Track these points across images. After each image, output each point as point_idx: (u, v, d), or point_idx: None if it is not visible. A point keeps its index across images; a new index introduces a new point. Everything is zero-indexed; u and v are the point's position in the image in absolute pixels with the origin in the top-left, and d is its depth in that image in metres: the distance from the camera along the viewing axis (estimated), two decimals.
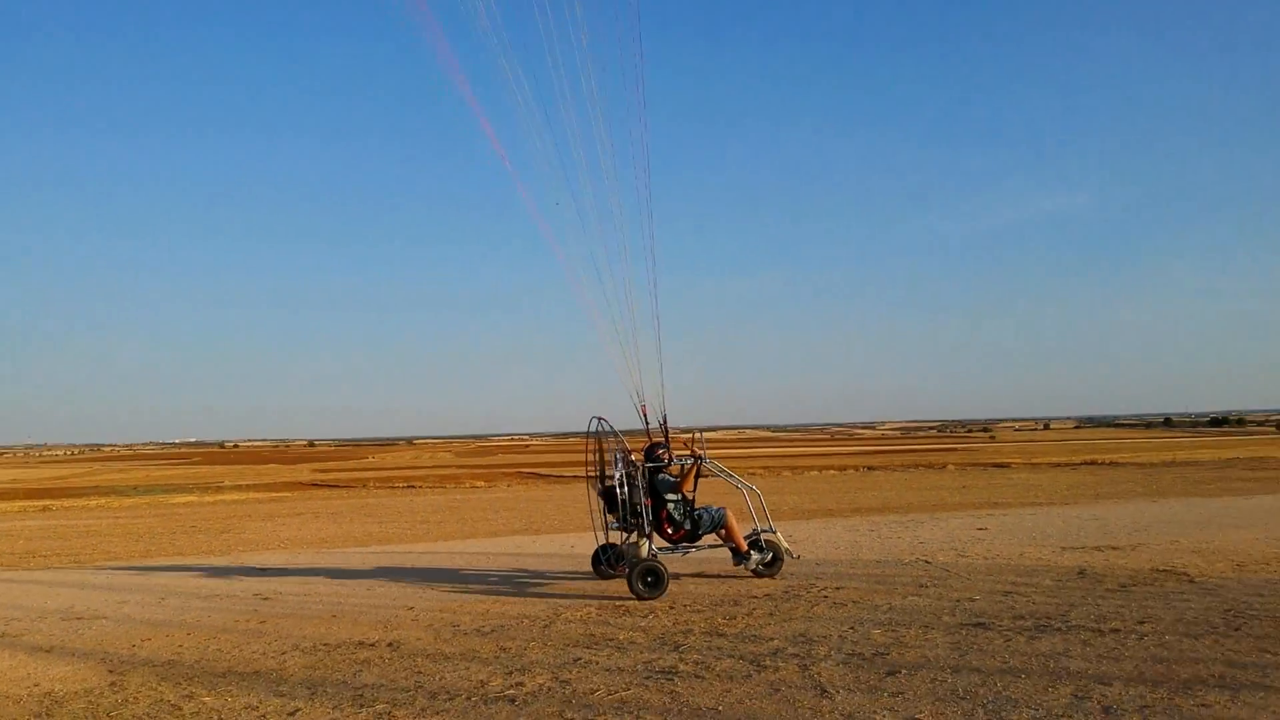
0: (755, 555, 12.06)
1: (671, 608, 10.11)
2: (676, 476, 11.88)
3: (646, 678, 7.22)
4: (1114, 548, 13.78)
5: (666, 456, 12.09)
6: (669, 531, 11.93)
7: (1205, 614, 8.83)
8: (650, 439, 12.24)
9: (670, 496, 11.82)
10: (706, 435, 13.30)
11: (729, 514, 12.07)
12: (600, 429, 12.15)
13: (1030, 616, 9.00)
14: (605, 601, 10.62)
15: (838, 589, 10.90)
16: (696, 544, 12.03)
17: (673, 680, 7.11)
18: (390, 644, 8.76)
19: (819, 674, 7.11)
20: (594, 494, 12.50)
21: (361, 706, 6.74)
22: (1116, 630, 8.24)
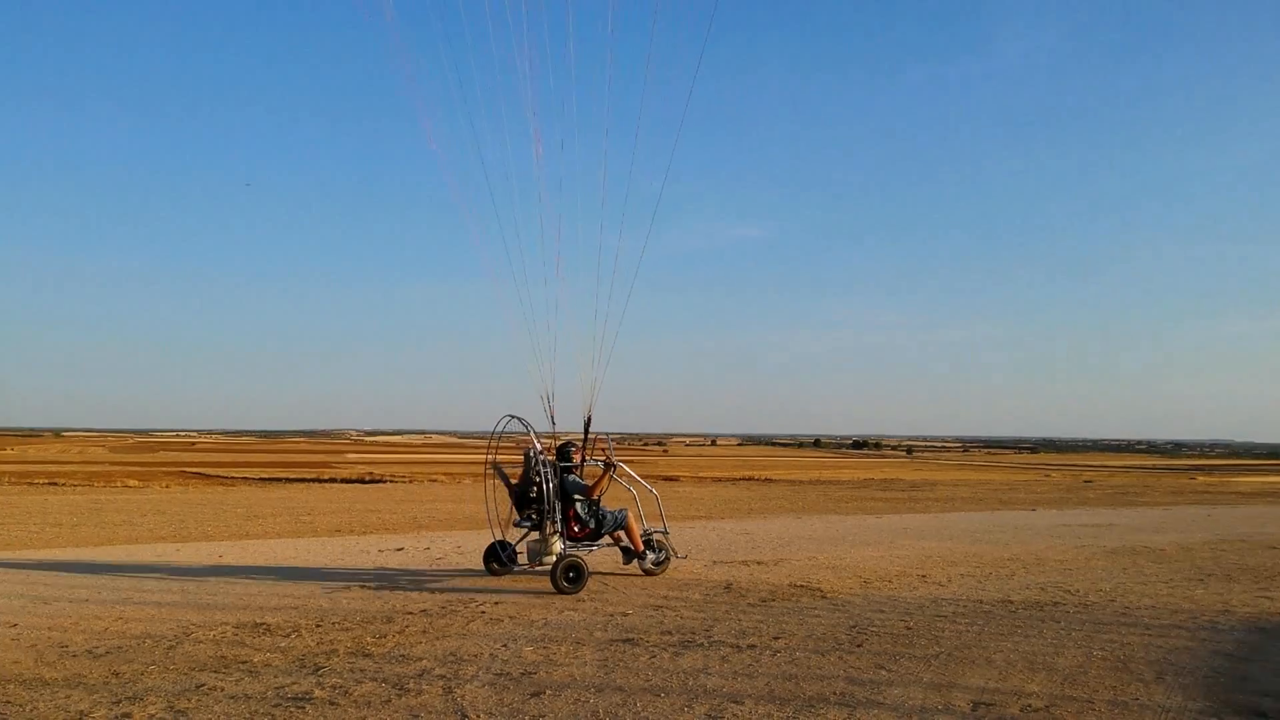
0: (650, 555, 12.79)
1: (319, 625, 9.46)
2: (587, 479, 12.52)
3: (275, 705, 6.62)
4: (759, 562, 14.58)
5: (578, 457, 12.62)
6: (574, 530, 12.28)
7: (833, 630, 9.43)
8: (557, 439, 12.62)
9: (577, 496, 12.28)
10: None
11: (630, 515, 12.68)
12: (508, 428, 12.53)
13: (677, 631, 9.23)
14: (245, 619, 9.76)
15: (496, 604, 10.70)
16: (598, 542, 12.52)
17: (304, 708, 6.55)
18: None
19: (462, 697, 6.83)
20: (493, 490, 12.87)
21: None
22: (754, 646, 8.60)
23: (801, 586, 12.26)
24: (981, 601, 11.26)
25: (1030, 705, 6.76)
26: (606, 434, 13.27)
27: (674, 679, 7.39)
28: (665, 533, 13.21)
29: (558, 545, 12.03)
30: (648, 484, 13.83)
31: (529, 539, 12.40)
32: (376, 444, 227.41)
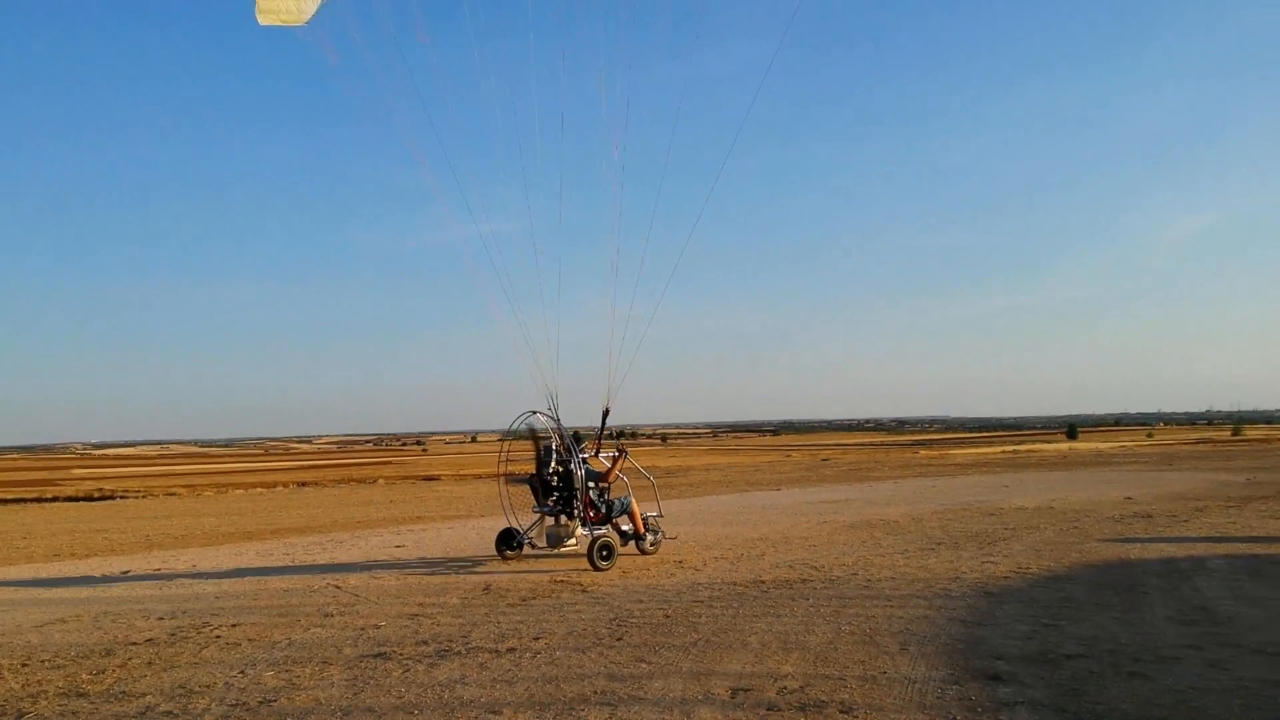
0: (649, 536, 14.15)
1: (25, 665, 8.33)
2: (600, 468, 13.84)
3: None
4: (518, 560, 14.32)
5: (591, 447, 13.97)
6: (589, 515, 13.46)
7: (594, 625, 9.32)
8: (561, 435, 13.63)
9: (590, 484, 13.51)
10: None
11: (633, 501, 13.99)
12: (531, 423, 13.73)
13: (433, 640, 8.82)
14: None
15: (234, 625, 9.84)
16: (605, 526, 13.59)
17: None
18: None
19: None
20: (504, 485, 14.45)
21: None
22: (513, 649, 8.33)
23: (562, 582, 12.11)
24: (735, 584, 11.52)
25: (786, 687, 6.88)
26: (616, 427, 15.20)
27: (429, 693, 6.99)
28: (660, 516, 14.60)
29: (578, 529, 13.45)
30: (646, 472, 15.14)
31: (546, 525, 13.84)
32: (107, 458, 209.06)
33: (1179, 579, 11.22)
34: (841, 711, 6.28)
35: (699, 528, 18.20)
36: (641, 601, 10.50)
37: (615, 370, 13.89)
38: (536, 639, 8.73)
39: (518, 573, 12.95)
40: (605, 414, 14.06)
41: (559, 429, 13.57)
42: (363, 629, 9.51)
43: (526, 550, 14.21)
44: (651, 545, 14.14)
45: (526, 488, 13.96)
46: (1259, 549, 13.57)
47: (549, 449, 13.50)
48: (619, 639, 8.64)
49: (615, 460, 13.91)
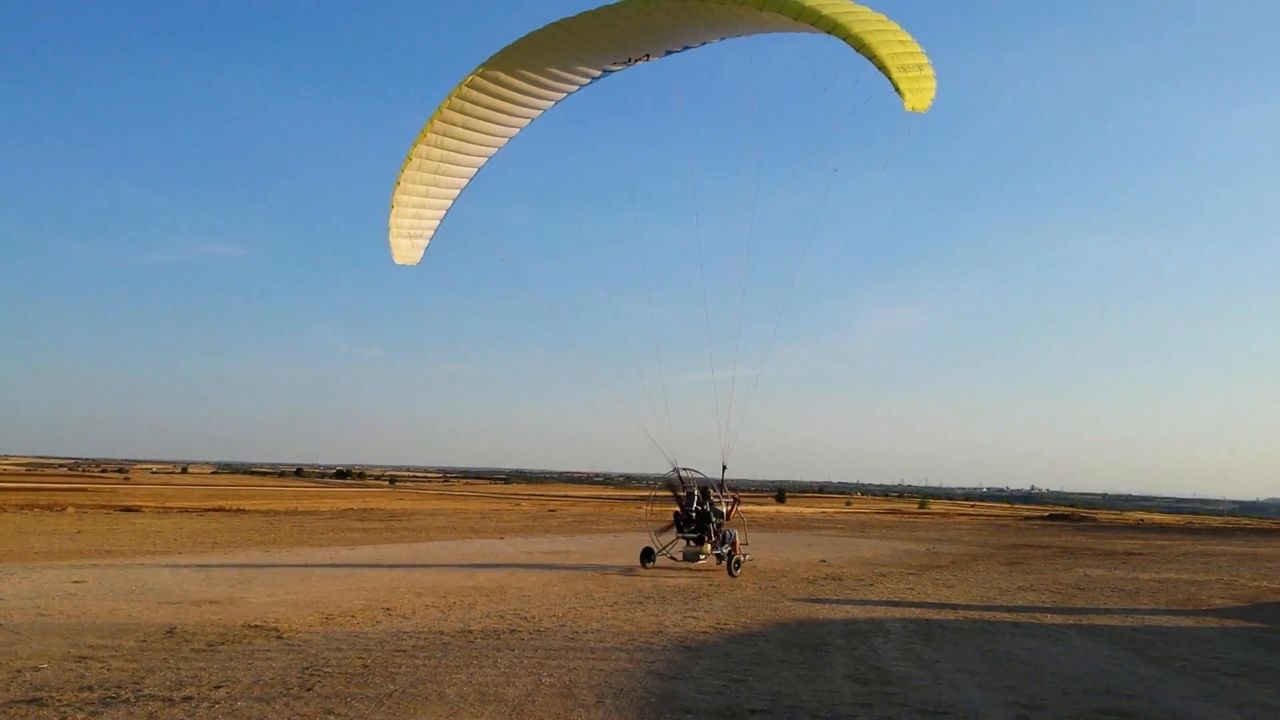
0: (742, 561, 19.40)
1: None
2: (723, 510, 19.81)
3: None
4: (213, 602, 13.40)
5: (714, 494, 19.79)
6: (715, 540, 19.38)
7: (284, 674, 8.82)
8: (685, 485, 20.04)
9: (714, 519, 19.39)
10: None
11: (737, 535, 19.71)
12: (683, 474, 20.05)
13: (100, 686, 8.05)
14: None
15: None
16: (725, 547, 19.40)
17: None
18: None
19: None
20: (650, 515, 21.85)
21: None
22: (190, 698, 7.74)
23: (256, 627, 11.41)
24: (442, 633, 11.29)
25: None
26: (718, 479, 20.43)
27: None
28: (746, 544, 20.52)
29: (708, 548, 19.32)
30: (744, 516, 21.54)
31: (684, 547, 19.78)
32: None
33: (859, 639, 12.07)
34: None
35: (414, 574, 17.74)
36: (340, 650, 10.05)
37: (728, 433, 19.03)
38: (217, 688, 8.15)
39: (206, 616, 12.08)
40: (724, 469, 19.92)
41: (704, 481, 20.04)
42: (19, 670, 8.55)
43: (663, 563, 20.32)
44: (736, 568, 19.07)
45: (668, 523, 20.32)
46: (931, 614, 14.86)
47: (691, 494, 19.45)
48: (309, 689, 8.21)
49: (733, 505, 20.19)
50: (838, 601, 15.90)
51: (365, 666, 9.20)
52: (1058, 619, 14.81)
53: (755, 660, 10.37)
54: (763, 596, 16.04)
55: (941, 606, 15.91)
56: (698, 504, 19.27)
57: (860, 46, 11.95)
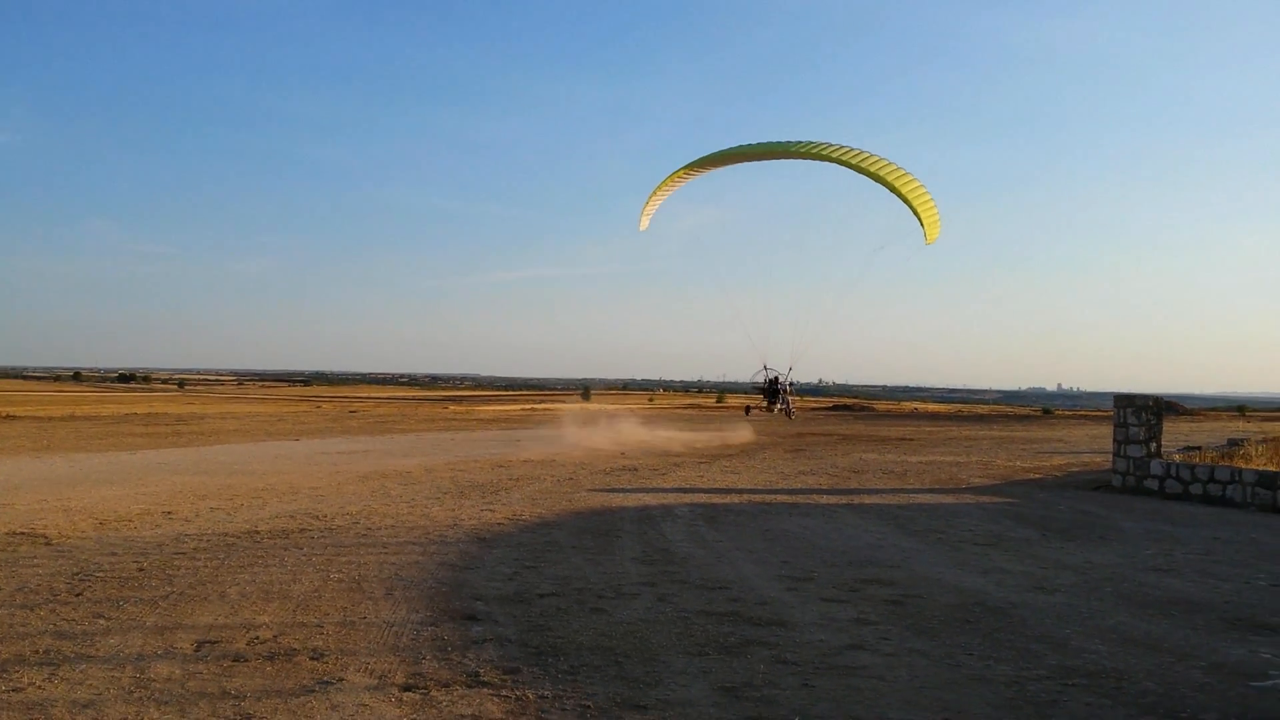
0: (792, 412, 27.61)
1: None
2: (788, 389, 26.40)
3: None
4: None
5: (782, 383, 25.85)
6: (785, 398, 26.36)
7: (51, 580, 8.42)
8: (768, 371, 25.87)
9: (782, 392, 25.96)
10: None
11: (791, 401, 27.02)
12: (767, 367, 25.77)
13: None
14: None
15: None
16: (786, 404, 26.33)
17: None
18: None
19: None
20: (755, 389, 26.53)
21: None
22: None
23: (23, 534, 10.81)
24: (227, 534, 11.01)
25: (259, 637, 6.71)
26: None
27: None
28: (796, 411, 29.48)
29: (778, 407, 25.78)
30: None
31: (768, 407, 26.07)
32: None
33: (648, 524, 12.59)
34: (312, 658, 6.25)
35: (200, 478, 17.10)
36: (115, 554, 9.65)
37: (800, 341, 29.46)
38: None
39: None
40: (789, 369, 26.02)
41: (779, 372, 25.56)
42: None
43: (756, 414, 28.58)
44: (791, 417, 27.92)
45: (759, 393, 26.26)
46: (717, 499, 15.63)
47: (770, 379, 25.23)
48: (78, 594, 7.88)
49: (790, 388, 26.08)
50: (631, 490, 16.47)
51: (141, 570, 8.89)
52: (833, 500, 15.89)
53: (548, 548, 10.66)
54: (560, 489, 16.41)
55: (728, 491, 16.76)
56: (778, 383, 26.04)
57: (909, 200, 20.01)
